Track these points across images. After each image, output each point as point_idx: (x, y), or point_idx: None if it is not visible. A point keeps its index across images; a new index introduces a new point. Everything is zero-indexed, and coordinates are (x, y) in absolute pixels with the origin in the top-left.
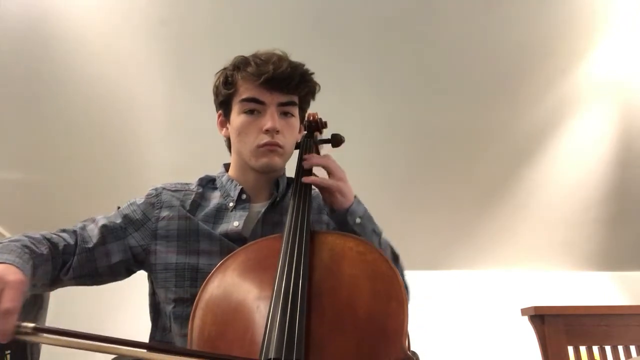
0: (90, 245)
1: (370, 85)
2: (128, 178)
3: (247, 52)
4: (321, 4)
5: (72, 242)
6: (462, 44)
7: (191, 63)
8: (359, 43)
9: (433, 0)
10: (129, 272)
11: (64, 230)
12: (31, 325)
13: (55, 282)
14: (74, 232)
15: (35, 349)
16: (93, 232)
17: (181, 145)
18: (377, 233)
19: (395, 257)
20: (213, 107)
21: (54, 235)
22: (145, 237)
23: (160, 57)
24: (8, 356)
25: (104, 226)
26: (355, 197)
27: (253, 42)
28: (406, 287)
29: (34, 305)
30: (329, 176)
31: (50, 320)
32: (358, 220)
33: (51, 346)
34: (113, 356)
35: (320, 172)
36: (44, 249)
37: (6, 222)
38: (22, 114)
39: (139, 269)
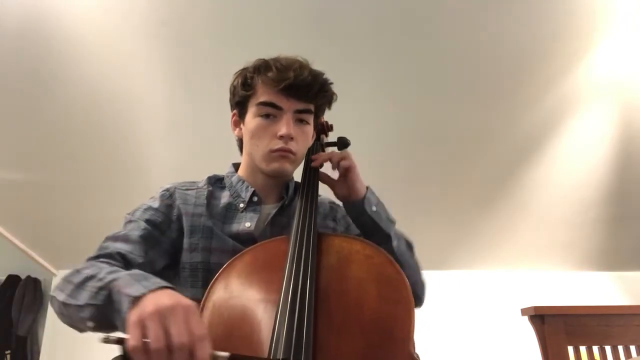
0: (140, 260)
1: (369, 86)
2: (128, 178)
3: (248, 52)
4: (322, 4)
5: (121, 265)
6: (462, 45)
7: (191, 63)
8: (359, 44)
9: (433, 1)
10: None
11: (98, 257)
12: (226, 354)
13: None
14: (118, 253)
15: (34, 348)
16: (131, 247)
17: (181, 145)
18: (392, 221)
19: (410, 246)
20: (213, 107)
21: (102, 263)
22: (173, 238)
23: (161, 57)
24: (8, 356)
25: (140, 237)
26: (367, 187)
27: (254, 43)
28: (423, 285)
29: (34, 306)
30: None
31: (50, 322)
32: (374, 208)
33: (51, 346)
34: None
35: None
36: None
37: (6, 222)
38: (22, 114)
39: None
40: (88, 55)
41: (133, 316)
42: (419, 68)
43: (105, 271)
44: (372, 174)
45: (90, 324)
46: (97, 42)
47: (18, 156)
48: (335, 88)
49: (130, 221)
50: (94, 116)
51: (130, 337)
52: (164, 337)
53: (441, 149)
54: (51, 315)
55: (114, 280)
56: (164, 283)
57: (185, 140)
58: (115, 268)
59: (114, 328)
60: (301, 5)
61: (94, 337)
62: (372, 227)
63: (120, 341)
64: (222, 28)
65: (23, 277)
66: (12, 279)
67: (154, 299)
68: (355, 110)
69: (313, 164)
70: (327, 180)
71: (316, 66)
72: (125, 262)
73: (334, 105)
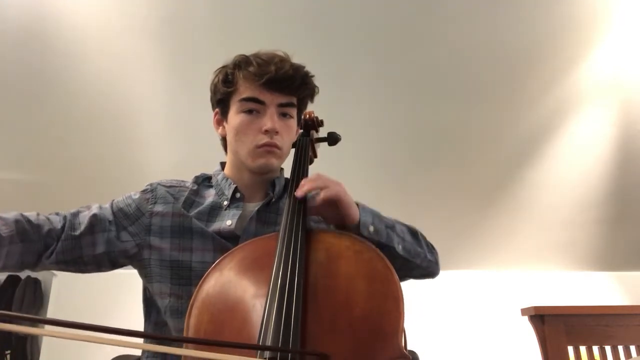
0: (77, 233)
1: (369, 85)
2: (128, 177)
3: (248, 51)
4: (322, 3)
5: (59, 226)
6: (462, 45)
7: (191, 62)
8: (359, 42)
9: (433, 1)
10: (113, 265)
11: (56, 214)
12: None
13: (36, 264)
14: (65, 217)
15: (34, 348)
16: (84, 219)
17: (181, 144)
18: (391, 227)
19: (415, 235)
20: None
21: (42, 217)
22: (139, 231)
23: (161, 57)
24: (8, 356)
25: (94, 215)
26: (358, 205)
27: (253, 42)
28: (433, 250)
29: (34, 304)
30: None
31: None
32: (371, 228)
33: (51, 346)
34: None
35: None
36: (7, 231)
37: None
38: (22, 114)
39: (129, 263)
40: (88, 55)
41: None
42: (419, 68)
43: None
44: (369, 174)
45: None
46: (97, 41)
47: (18, 156)
48: (334, 86)
49: (110, 201)
50: (94, 116)
51: None
52: None
53: (441, 149)
54: (51, 315)
55: None
56: None
57: (185, 139)
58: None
59: None
60: (302, 4)
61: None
62: (375, 245)
63: None
64: (222, 28)
65: (23, 277)
66: (12, 279)
67: None
68: (354, 111)
69: (297, 194)
70: (316, 214)
71: (315, 64)
72: (63, 226)
73: (334, 106)
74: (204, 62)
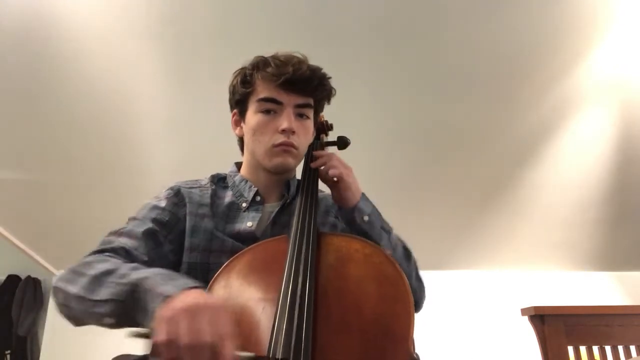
0: (145, 258)
1: (369, 86)
2: (128, 177)
3: (249, 52)
4: (323, 4)
5: (128, 259)
6: (462, 45)
7: (192, 63)
8: (359, 44)
9: (433, 1)
10: None
11: (102, 251)
12: (250, 354)
13: None
14: (122, 248)
15: (35, 348)
16: (135, 244)
17: (181, 145)
18: (387, 230)
19: (408, 254)
20: (213, 106)
21: (111, 258)
22: (178, 237)
23: (161, 57)
24: (8, 356)
25: (144, 234)
26: (362, 194)
27: (254, 43)
28: (421, 281)
29: (34, 306)
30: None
31: (50, 322)
32: (366, 218)
33: (51, 346)
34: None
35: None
36: None
37: (6, 222)
38: (22, 114)
39: None
40: (88, 55)
41: (163, 312)
42: (419, 69)
43: (126, 267)
44: (370, 175)
45: (108, 320)
46: (97, 41)
47: (18, 156)
48: (334, 88)
49: (134, 219)
50: (94, 116)
51: (160, 331)
52: (194, 334)
53: (441, 149)
54: (51, 315)
55: (142, 278)
56: (193, 283)
57: (185, 140)
58: (135, 265)
59: (131, 324)
60: (303, 5)
61: (94, 337)
62: (363, 235)
63: (148, 335)
64: (222, 28)
65: (23, 277)
66: (12, 279)
67: (183, 297)
68: (353, 111)
69: (312, 165)
70: (326, 182)
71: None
72: (129, 258)
73: (333, 106)
74: (205, 62)
